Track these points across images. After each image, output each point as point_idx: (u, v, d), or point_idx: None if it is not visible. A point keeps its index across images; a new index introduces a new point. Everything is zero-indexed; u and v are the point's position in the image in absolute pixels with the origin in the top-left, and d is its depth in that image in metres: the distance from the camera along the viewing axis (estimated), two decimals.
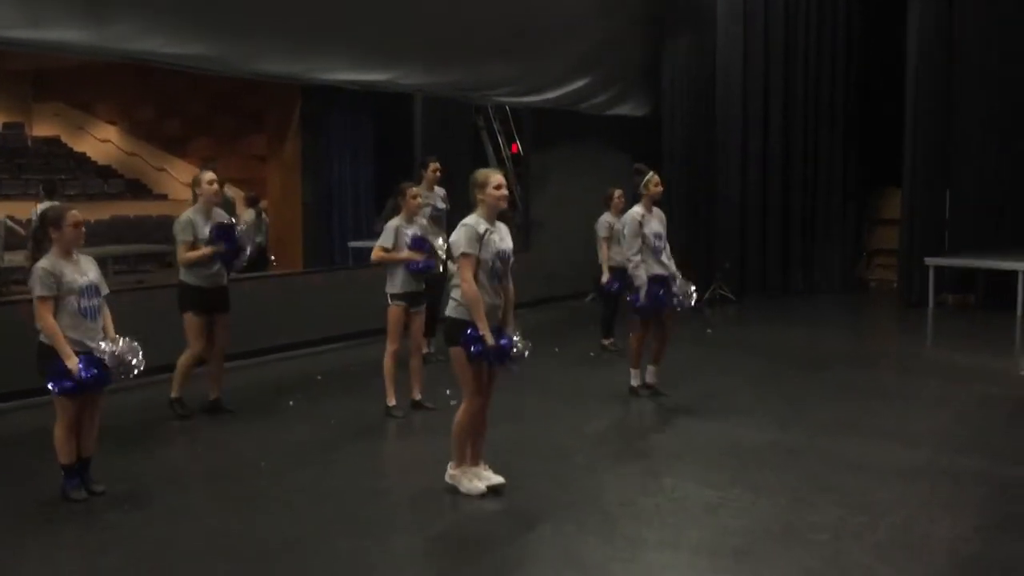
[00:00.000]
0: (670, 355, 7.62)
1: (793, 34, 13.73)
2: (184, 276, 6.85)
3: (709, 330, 11.07)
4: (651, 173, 7.32)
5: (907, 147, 12.49)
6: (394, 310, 6.95)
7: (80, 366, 4.99)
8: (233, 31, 8.24)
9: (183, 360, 6.93)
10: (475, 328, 4.99)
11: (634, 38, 13.36)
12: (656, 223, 7.25)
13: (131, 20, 7.49)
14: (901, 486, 5.44)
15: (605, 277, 9.02)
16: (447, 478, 5.28)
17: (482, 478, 5.29)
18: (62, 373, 5.00)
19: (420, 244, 6.90)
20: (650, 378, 7.56)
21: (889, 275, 13.94)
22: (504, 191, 5.18)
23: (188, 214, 6.83)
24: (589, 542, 4.64)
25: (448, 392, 7.29)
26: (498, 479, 5.31)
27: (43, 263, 5.09)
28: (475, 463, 5.34)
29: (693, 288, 7.34)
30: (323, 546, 4.59)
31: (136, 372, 5.26)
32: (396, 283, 6.94)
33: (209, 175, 6.90)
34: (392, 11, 9.37)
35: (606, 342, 9.50)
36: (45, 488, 5.30)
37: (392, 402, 7.02)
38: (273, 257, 13.02)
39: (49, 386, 5.06)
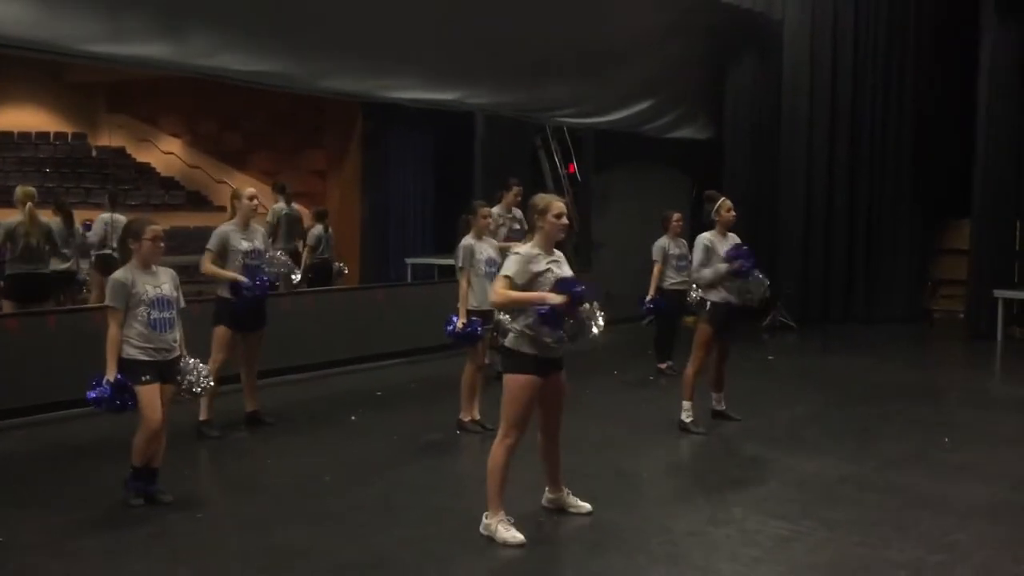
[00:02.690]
0: (731, 382, 7.49)
1: (862, 61, 13.46)
2: (223, 291, 6.72)
3: (770, 357, 10.90)
4: (723, 199, 7.14)
5: (977, 177, 12.26)
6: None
7: (108, 383, 5.06)
8: (305, 50, 8.37)
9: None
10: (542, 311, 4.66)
11: (698, 61, 13.29)
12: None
13: (207, 37, 7.66)
14: (980, 525, 5.27)
15: (650, 295, 9.03)
16: (482, 528, 4.86)
17: (567, 505, 5.24)
18: (117, 387, 5.10)
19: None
20: (718, 405, 7.44)
21: (955, 306, 13.62)
22: (565, 220, 4.95)
23: (225, 227, 6.75)
24: (660, 572, 4.56)
25: None
26: (585, 506, 5.25)
27: (118, 274, 5.23)
28: (557, 490, 5.26)
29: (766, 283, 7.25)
30: (385, 567, 4.56)
31: (201, 388, 5.38)
32: (472, 299, 6.83)
33: (250, 191, 6.88)
34: (460, 32, 9.45)
35: (663, 366, 9.40)
36: (112, 495, 5.35)
37: (467, 417, 7.02)
38: (346, 269, 13.13)
39: (90, 395, 5.11)
